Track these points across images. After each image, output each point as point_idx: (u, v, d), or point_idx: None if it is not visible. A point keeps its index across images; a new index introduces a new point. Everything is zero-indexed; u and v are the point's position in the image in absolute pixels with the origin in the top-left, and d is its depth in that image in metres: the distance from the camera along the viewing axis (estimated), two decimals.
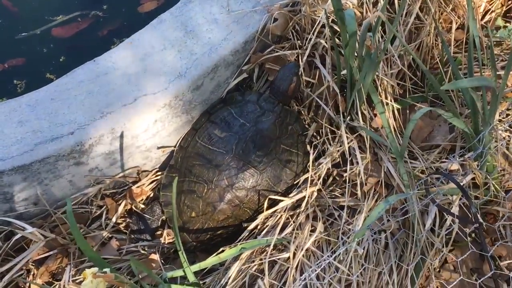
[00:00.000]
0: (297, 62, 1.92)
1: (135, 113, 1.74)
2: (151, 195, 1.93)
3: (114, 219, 1.85)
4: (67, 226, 1.80)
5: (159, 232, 1.89)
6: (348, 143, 1.81)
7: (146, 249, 1.84)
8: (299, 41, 1.96)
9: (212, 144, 1.82)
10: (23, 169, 1.68)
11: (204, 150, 1.82)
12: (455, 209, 1.65)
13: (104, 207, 1.87)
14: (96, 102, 1.74)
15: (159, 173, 1.94)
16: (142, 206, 1.89)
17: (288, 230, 1.72)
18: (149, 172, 1.93)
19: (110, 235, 1.85)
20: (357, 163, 1.79)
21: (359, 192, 1.76)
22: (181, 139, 1.91)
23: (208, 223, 1.80)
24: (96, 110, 1.73)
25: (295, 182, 1.84)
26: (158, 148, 1.89)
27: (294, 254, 1.66)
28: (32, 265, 1.79)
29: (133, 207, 1.88)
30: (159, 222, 1.89)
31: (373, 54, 1.68)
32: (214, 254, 1.68)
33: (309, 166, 1.79)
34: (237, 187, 1.78)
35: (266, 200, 1.77)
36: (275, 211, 1.77)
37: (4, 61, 2.16)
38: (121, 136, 1.76)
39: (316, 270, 1.54)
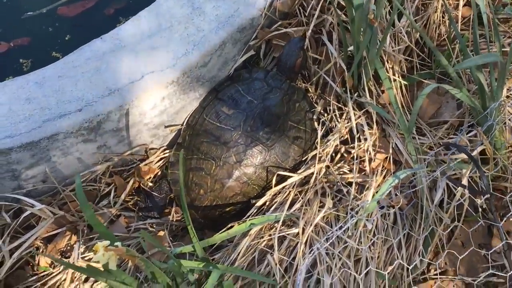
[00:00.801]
0: (302, 37, 1.92)
1: (142, 90, 1.74)
2: (159, 173, 1.93)
3: (122, 197, 1.85)
4: (76, 204, 1.80)
5: (167, 210, 1.90)
6: (355, 120, 1.81)
7: (154, 226, 1.84)
8: (305, 18, 1.96)
9: (220, 121, 1.81)
10: (31, 146, 1.68)
11: (212, 127, 1.82)
12: (464, 183, 1.65)
13: (112, 184, 1.87)
14: (104, 79, 1.74)
15: (167, 151, 1.93)
16: (150, 184, 1.89)
17: (297, 206, 1.72)
18: (157, 149, 1.92)
19: (118, 213, 1.85)
20: (365, 139, 1.79)
21: (367, 168, 1.76)
22: (188, 116, 1.90)
23: (216, 200, 1.80)
24: (103, 87, 1.73)
25: (303, 159, 1.84)
26: (166, 126, 1.89)
27: (303, 229, 1.67)
28: (41, 242, 1.80)
29: (141, 185, 1.88)
30: (167, 200, 1.89)
31: (374, 26, 1.67)
32: (223, 230, 1.69)
33: (317, 143, 1.79)
34: (245, 164, 1.78)
35: (275, 177, 1.77)
36: (283, 187, 1.77)
37: (9, 41, 2.16)
38: (129, 113, 1.76)
39: (325, 244, 1.55)
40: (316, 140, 1.80)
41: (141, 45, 1.79)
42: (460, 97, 1.67)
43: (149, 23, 1.83)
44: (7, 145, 1.65)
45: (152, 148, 1.91)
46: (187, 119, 1.90)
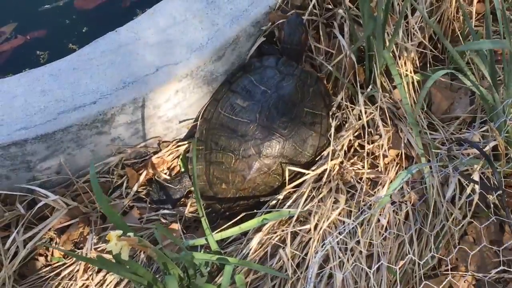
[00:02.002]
0: (298, 14, 1.92)
1: (157, 83, 1.75)
2: (173, 166, 1.94)
3: (135, 188, 1.86)
4: (89, 195, 1.82)
5: (181, 202, 1.91)
6: (367, 116, 1.81)
7: (167, 217, 1.85)
8: (318, 11, 1.96)
9: (236, 114, 1.82)
10: (46, 137, 1.69)
11: (228, 120, 1.83)
12: (475, 179, 1.66)
13: (125, 176, 1.88)
14: (118, 72, 1.75)
15: (180, 143, 1.94)
16: (164, 176, 1.90)
17: (310, 202, 1.72)
18: (170, 142, 1.94)
19: (131, 204, 1.86)
20: (379, 135, 1.79)
21: (381, 164, 1.77)
22: (203, 110, 1.91)
23: (239, 193, 1.82)
24: (118, 80, 1.74)
25: (320, 145, 1.85)
26: (180, 122, 1.91)
27: (316, 225, 1.67)
28: (54, 233, 1.81)
29: (155, 177, 1.89)
30: (184, 192, 1.90)
31: (377, 17, 1.67)
32: (233, 221, 1.70)
33: (330, 136, 1.79)
34: (264, 155, 1.78)
35: (287, 172, 1.78)
36: (297, 185, 1.78)
37: (26, 33, 2.18)
38: (143, 106, 1.77)
39: (338, 237, 1.55)
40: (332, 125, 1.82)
41: (156, 38, 1.80)
42: (473, 88, 1.66)
43: (164, 16, 1.84)
44: (22, 137, 1.67)
45: (165, 141, 1.92)
46: (202, 112, 1.91)
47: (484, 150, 1.61)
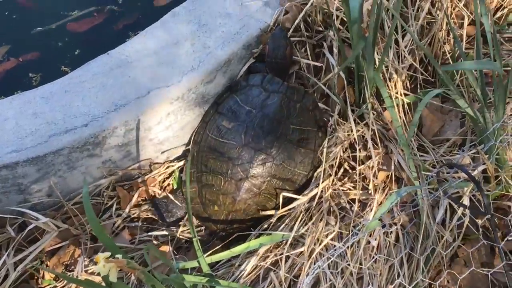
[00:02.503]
0: (281, 28, 1.93)
1: (148, 106, 1.76)
2: (166, 187, 1.94)
3: (127, 210, 1.86)
4: (80, 218, 1.82)
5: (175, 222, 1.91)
6: (357, 134, 1.81)
7: (159, 238, 1.85)
8: (308, 33, 1.97)
9: (222, 136, 1.82)
10: (37, 160, 1.70)
11: (215, 143, 1.83)
12: (465, 202, 1.66)
13: (115, 198, 1.88)
14: (110, 95, 1.76)
15: (171, 164, 1.95)
16: (167, 194, 1.90)
17: (303, 225, 1.72)
18: (162, 164, 1.94)
19: (122, 225, 1.86)
20: (369, 157, 1.79)
21: (370, 186, 1.77)
22: (194, 133, 1.92)
23: (232, 214, 1.82)
24: (109, 102, 1.75)
25: (311, 161, 1.85)
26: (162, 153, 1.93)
27: (308, 247, 1.67)
28: (45, 255, 1.81)
29: (156, 195, 1.90)
30: (181, 213, 1.91)
31: (368, 36, 1.67)
32: (225, 242, 1.69)
33: (322, 154, 1.79)
34: (252, 176, 1.79)
35: (281, 198, 1.78)
36: (289, 209, 1.78)
37: (19, 56, 2.19)
38: (134, 128, 1.77)
39: (328, 260, 1.55)
40: (324, 141, 1.83)
41: (148, 61, 1.81)
42: (463, 109, 1.67)
43: (156, 39, 1.85)
44: (13, 159, 1.67)
45: (157, 163, 1.93)
46: (193, 135, 1.92)
47: (473, 173, 1.61)
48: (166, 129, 1.85)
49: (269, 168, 1.80)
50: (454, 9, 2.00)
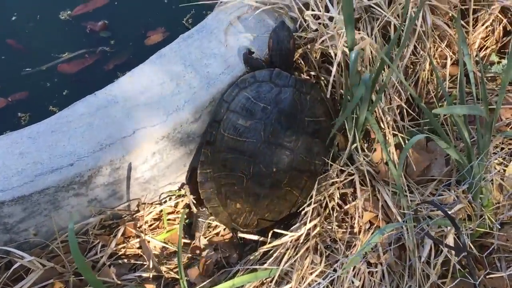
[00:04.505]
0: (283, 22, 1.95)
1: (134, 145, 1.77)
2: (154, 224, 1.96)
3: (109, 251, 1.86)
4: (66, 256, 1.82)
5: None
6: (344, 176, 1.83)
7: (143, 276, 1.84)
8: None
9: (240, 135, 1.83)
10: (23, 200, 1.71)
11: (233, 142, 1.84)
12: (450, 240, 1.66)
13: (101, 235, 1.88)
14: (96, 134, 1.77)
15: (157, 204, 1.95)
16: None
17: (289, 261, 1.73)
18: (150, 205, 1.95)
19: (108, 263, 1.86)
20: (356, 198, 1.80)
21: (356, 226, 1.77)
22: (203, 133, 1.92)
23: (255, 211, 1.87)
24: (95, 142, 1.77)
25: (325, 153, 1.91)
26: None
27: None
28: None
29: (198, 209, 1.98)
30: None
31: (366, 80, 1.70)
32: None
33: (310, 197, 1.82)
34: (275, 172, 1.82)
35: (270, 233, 1.82)
36: (276, 245, 1.79)
37: (8, 96, 2.21)
38: (120, 167, 1.79)
39: None
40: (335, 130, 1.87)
41: (133, 101, 1.83)
42: (447, 150, 1.69)
43: (142, 79, 1.87)
44: None
45: (144, 203, 1.93)
46: (202, 136, 1.93)
47: (451, 211, 1.62)
48: (152, 168, 1.86)
49: (291, 162, 1.83)
50: (437, 49, 2.03)
